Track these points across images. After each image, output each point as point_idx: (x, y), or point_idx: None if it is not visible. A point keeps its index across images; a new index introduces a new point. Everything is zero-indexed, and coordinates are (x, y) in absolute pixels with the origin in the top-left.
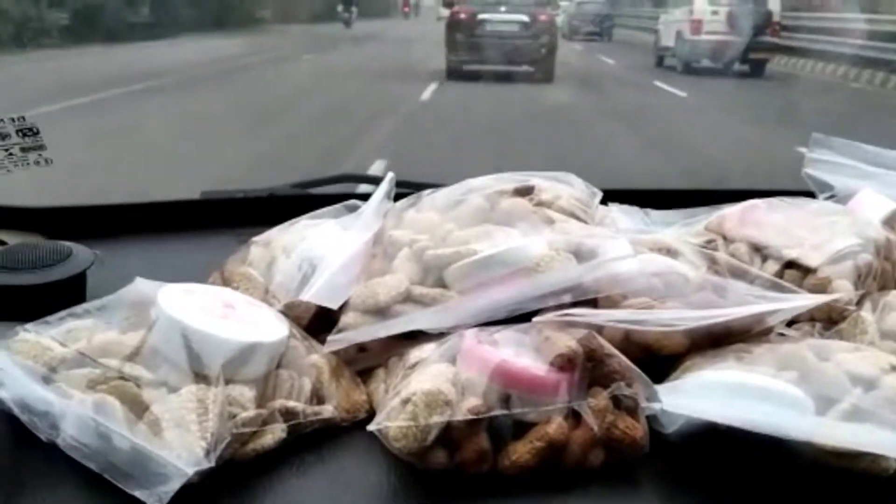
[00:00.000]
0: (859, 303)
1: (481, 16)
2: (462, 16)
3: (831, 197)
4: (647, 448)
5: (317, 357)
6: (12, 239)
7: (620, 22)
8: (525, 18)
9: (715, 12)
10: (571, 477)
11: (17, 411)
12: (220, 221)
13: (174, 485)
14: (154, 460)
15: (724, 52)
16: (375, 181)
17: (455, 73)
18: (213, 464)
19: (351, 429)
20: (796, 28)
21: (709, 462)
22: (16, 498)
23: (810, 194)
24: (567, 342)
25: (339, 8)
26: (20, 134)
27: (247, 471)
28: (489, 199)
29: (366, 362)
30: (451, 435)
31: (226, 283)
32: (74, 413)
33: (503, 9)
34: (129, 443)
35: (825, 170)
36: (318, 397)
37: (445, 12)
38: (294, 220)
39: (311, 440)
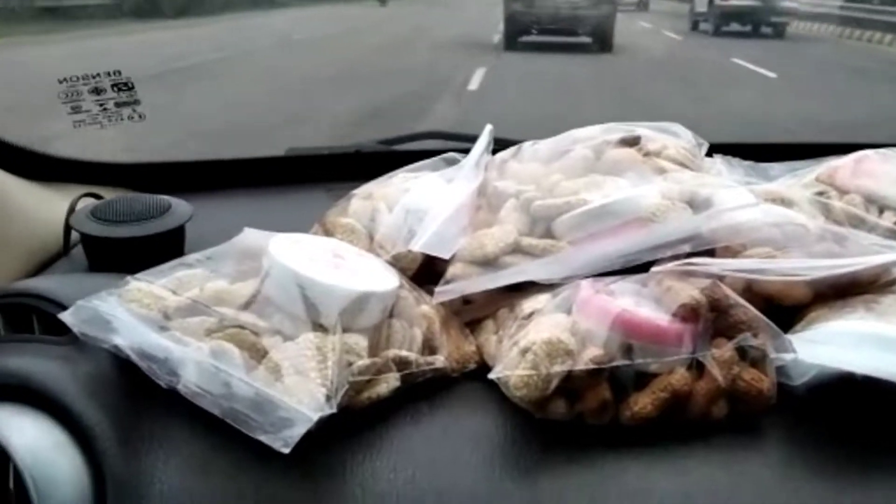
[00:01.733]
0: None
1: None
2: None
3: None
4: (774, 400)
5: (427, 307)
6: (108, 194)
7: None
8: None
9: None
10: (695, 429)
11: (135, 358)
12: (308, 177)
13: (299, 429)
14: (277, 405)
15: (749, 16)
16: (464, 138)
17: (513, 45)
18: (334, 410)
19: (462, 379)
20: None
21: (837, 416)
22: (138, 443)
23: None
24: (690, 292)
25: None
26: (115, 89)
27: (362, 418)
28: (595, 150)
29: (472, 314)
30: (571, 385)
31: (328, 234)
32: (193, 359)
33: None
34: (250, 388)
35: None
36: (429, 347)
37: None
38: (392, 173)
39: (423, 389)
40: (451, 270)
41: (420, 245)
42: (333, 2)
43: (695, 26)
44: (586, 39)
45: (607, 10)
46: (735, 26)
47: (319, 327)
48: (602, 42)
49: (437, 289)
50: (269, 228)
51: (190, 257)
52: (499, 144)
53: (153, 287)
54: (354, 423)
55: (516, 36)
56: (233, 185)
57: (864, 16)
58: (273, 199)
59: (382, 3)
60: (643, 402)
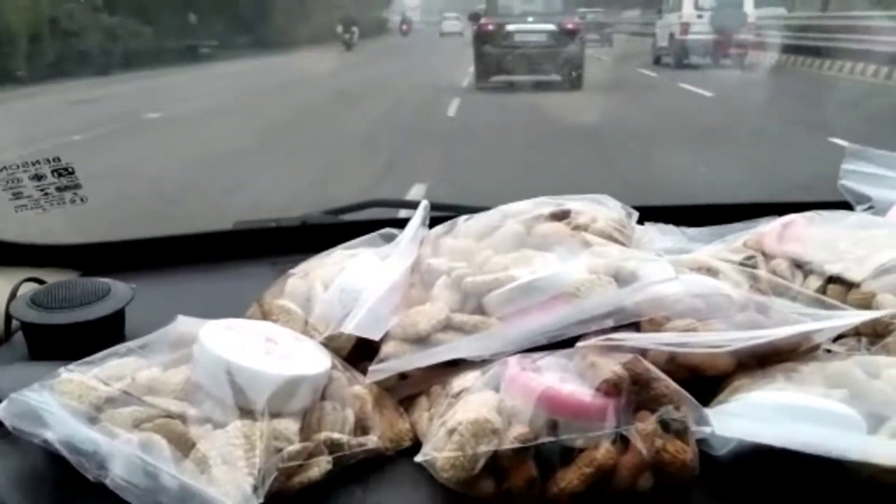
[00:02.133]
0: None
1: (509, 27)
2: (490, 27)
3: (869, 209)
4: (697, 471)
5: (359, 388)
6: (49, 277)
7: (619, 28)
8: (553, 28)
9: (700, 16)
10: (621, 501)
11: (64, 452)
12: (255, 251)
13: None
14: (203, 498)
15: (708, 49)
16: (408, 205)
17: (484, 85)
18: (261, 500)
19: (396, 458)
20: (769, 27)
21: (760, 483)
22: None
23: (847, 206)
24: (612, 367)
25: (339, 29)
26: (55, 174)
27: (295, 503)
28: (525, 225)
29: (407, 390)
30: (498, 463)
31: (265, 316)
32: (122, 452)
33: (530, 19)
34: (177, 481)
35: (862, 181)
36: (362, 428)
37: (451, 27)
38: (330, 251)
39: (356, 471)
40: (385, 349)
41: (352, 327)
42: (293, 49)
43: (657, 60)
44: (556, 77)
45: (576, 49)
46: (695, 59)
47: (248, 414)
48: (572, 80)
49: (371, 367)
50: (212, 306)
51: (122, 346)
52: (440, 210)
53: (85, 378)
54: None
55: (487, 76)
56: (178, 262)
57: (810, 44)
58: (218, 275)
59: (348, 48)
60: (570, 478)
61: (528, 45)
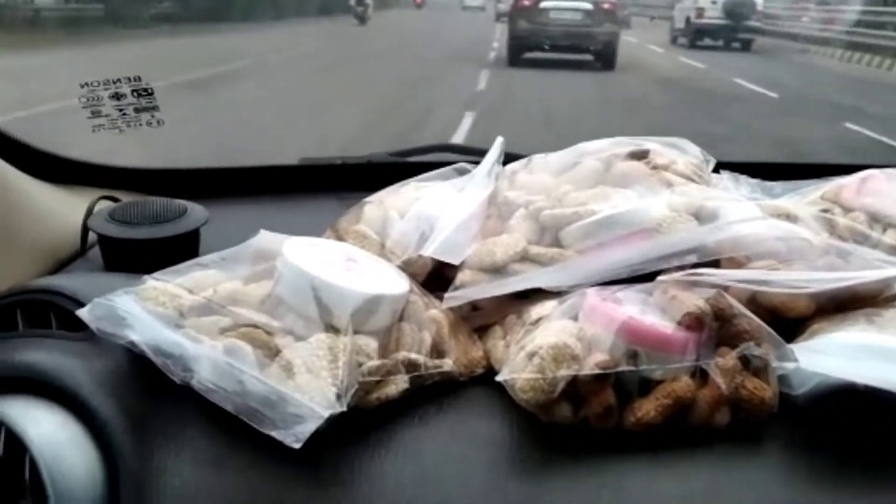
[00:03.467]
0: None
1: (544, 4)
2: (526, 3)
3: None
4: (776, 409)
5: (436, 312)
6: (125, 198)
7: (636, 12)
8: (589, 6)
9: (714, 2)
10: (697, 435)
11: (150, 354)
12: (320, 187)
13: (310, 426)
14: (289, 402)
15: (720, 33)
16: (475, 152)
17: (516, 61)
18: (344, 408)
19: (469, 383)
20: (776, 15)
21: (838, 425)
22: (152, 438)
23: None
24: (695, 301)
25: (351, 1)
26: (135, 94)
27: (372, 418)
28: (604, 162)
29: (480, 320)
30: (577, 389)
31: (340, 240)
32: (208, 356)
33: None
34: (263, 385)
35: None
36: (437, 351)
37: (473, 1)
38: (403, 182)
39: (431, 392)
40: (461, 277)
41: (431, 250)
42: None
43: (674, 40)
44: (589, 57)
45: (611, 29)
46: (708, 41)
47: (331, 328)
48: (605, 60)
49: (447, 294)
50: (284, 232)
51: (205, 258)
52: (509, 158)
53: (169, 286)
54: (364, 422)
55: (520, 52)
56: (246, 193)
57: (808, 34)
58: (286, 207)
59: (361, 22)
60: (647, 408)
61: (563, 23)
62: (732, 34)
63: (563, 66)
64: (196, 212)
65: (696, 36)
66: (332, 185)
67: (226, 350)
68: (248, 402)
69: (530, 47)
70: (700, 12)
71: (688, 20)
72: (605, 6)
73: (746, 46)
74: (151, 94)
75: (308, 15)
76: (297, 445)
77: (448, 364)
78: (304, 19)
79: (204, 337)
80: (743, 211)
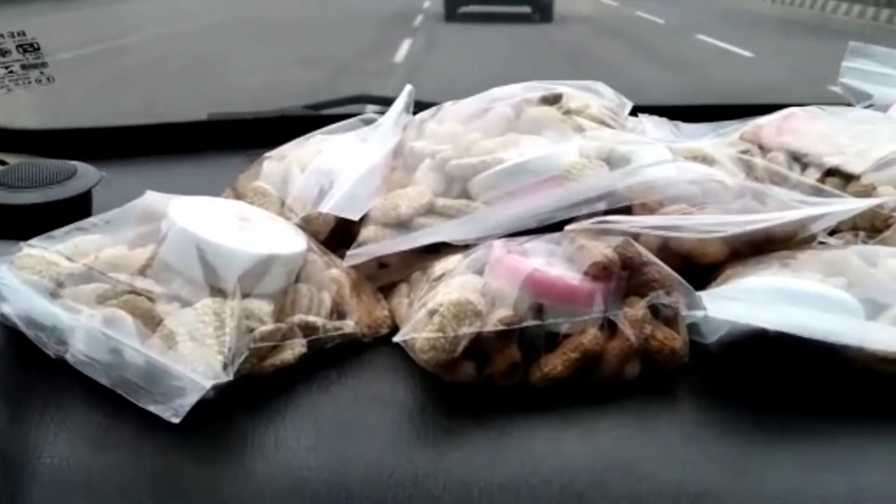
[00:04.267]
0: None
1: None
2: None
3: (869, 106)
4: (687, 359)
5: (336, 271)
6: (14, 160)
7: None
8: None
9: None
10: (606, 389)
11: (22, 326)
12: (230, 143)
13: (191, 398)
14: (169, 374)
15: None
16: (390, 102)
17: (453, 15)
18: (231, 377)
19: (373, 345)
20: None
21: (750, 372)
22: (24, 415)
23: (846, 105)
24: (602, 250)
25: None
26: (20, 50)
27: (266, 386)
28: (515, 108)
29: (387, 278)
30: (480, 346)
31: (239, 198)
32: (84, 327)
33: None
34: (142, 357)
35: (862, 78)
36: (338, 312)
37: None
38: (308, 135)
39: (332, 356)
40: (364, 233)
41: (329, 206)
42: None
43: None
44: (526, 9)
45: None
46: None
47: (219, 292)
48: (542, 11)
49: (349, 252)
50: (184, 193)
51: (86, 222)
52: (423, 106)
53: (46, 253)
54: (259, 390)
55: (456, 6)
56: (149, 152)
57: None
58: (190, 166)
59: None
60: (554, 363)
61: None
62: None
63: (502, 20)
64: (87, 172)
65: None
66: (243, 141)
67: (104, 320)
68: (125, 375)
69: (467, 1)
70: None
71: None
72: None
73: None
74: (38, 49)
75: None
76: (176, 420)
77: (349, 325)
78: None
79: (82, 306)
80: (656, 154)
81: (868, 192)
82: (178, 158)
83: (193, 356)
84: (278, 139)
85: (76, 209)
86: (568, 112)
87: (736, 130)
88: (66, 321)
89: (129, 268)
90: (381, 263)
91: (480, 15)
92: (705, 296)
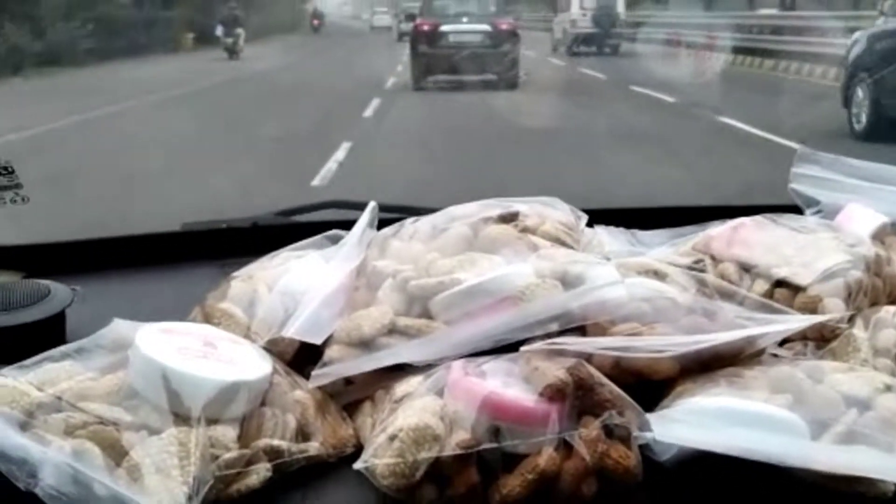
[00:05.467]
0: (851, 320)
1: (444, 27)
2: (425, 28)
3: (818, 212)
4: (641, 477)
5: (301, 393)
6: None
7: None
8: (487, 28)
9: (584, 14)
10: None
11: None
12: (204, 253)
13: None
14: None
15: (590, 40)
16: (360, 207)
17: (421, 84)
18: None
19: (338, 465)
20: (637, 23)
21: (704, 490)
22: None
23: (796, 209)
24: (556, 372)
25: (219, 31)
26: None
27: None
28: (473, 227)
29: (352, 395)
30: (440, 470)
31: (207, 319)
32: (52, 461)
33: (465, 20)
34: (108, 490)
35: (811, 184)
36: (303, 434)
37: (381, 21)
38: (275, 253)
39: (297, 478)
40: (328, 353)
41: (293, 331)
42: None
43: (555, 49)
44: (492, 77)
45: (511, 49)
46: (583, 48)
47: (184, 420)
48: (507, 80)
49: (314, 372)
50: (156, 310)
51: (57, 351)
52: (389, 212)
53: (17, 382)
54: None
55: (424, 76)
56: (124, 265)
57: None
58: (165, 278)
59: (232, 55)
60: (512, 485)
61: (463, 46)
62: (602, 41)
63: (469, 88)
64: (60, 293)
65: (572, 44)
66: (216, 250)
67: (72, 453)
68: None
69: (433, 71)
70: (573, 23)
71: (564, 31)
72: (504, 27)
73: (615, 51)
74: (12, 171)
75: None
76: None
77: (314, 447)
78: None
79: (52, 437)
80: (607, 275)
81: (815, 303)
82: (153, 270)
83: (158, 489)
84: (251, 248)
85: (50, 330)
86: (524, 230)
87: (689, 240)
88: (36, 455)
89: (98, 396)
90: (347, 381)
91: (449, 84)
92: (654, 418)
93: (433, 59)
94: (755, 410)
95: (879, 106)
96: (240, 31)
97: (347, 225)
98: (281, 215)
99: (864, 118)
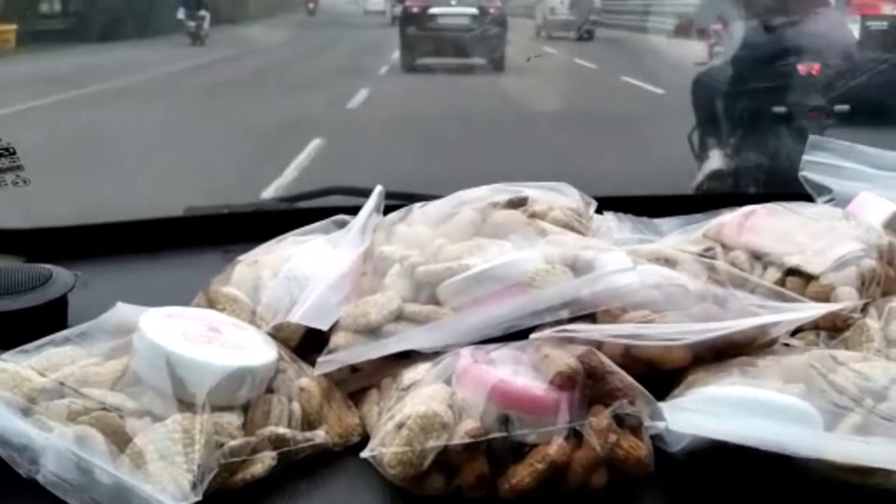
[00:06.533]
0: (864, 310)
1: (432, 10)
2: (414, 10)
3: (830, 200)
4: (652, 467)
5: (307, 380)
6: None
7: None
8: (474, 11)
9: (562, 2)
10: (574, 499)
11: None
12: (206, 238)
13: None
14: (138, 495)
15: (569, 26)
16: (365, 193)
17: (410, 67)
18: (199, 497)
19: (344, 453)
20: (611, 10)
21: (715, 480)
22: None
23: (808, 198)
24: (566, 360)
25: (181, 14)
26: None
27: (237, 499)
28: (481, 212)
29: (358, 383)
30: (448, 459)
31: (211, 304)
32: (54, 447)
33: (453, 2)
34: (111, 477)
35: (823, 172)
36: (309, 422)
37: (374, 5)
38: (281, 237)
39: (302, 466)
40: (334, 340)
41: (298, 316)
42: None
43: (537, 34)
44: (480, 60)
45: (499, 32)
46: (561, 33)
47: (188, 406)
48: (495, 62)
49: (320, 359)
50: (159, 295)
51: (59, 335)
52: (395, 199)
53: (19, 368)
54: None
55: (413, 59)
56: (127, 249)
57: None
58: (167, 263)
59: (195, 41)
60: (521, 475)
61: (451, 28)
62: (579, 27)
63: (459, 71)
64: (62, 277)
65: (550, 29)
66: (219, 236)
67: (75, 439)
68: (94, 496)
69: (422, 53)
70: (552, 10)
71: (544, 17)
72: (491, 9)
73: (591, 36)
74: (13, 153)
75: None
76: None
77: (320, 436)
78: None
79: (55, 423)
80: (618, 261)
81: (827, 292)
82: (156, 256)
83: (162, 476)
84: (254, 234)
85: (51, 315)
86: (533, 215)
87: (700, 227)
88: (38, 441)
89: (101, 382)
90: (353, 368)
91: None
92: (667, 407)
93: (422, 41)
94: (769, 400)
95: None
96: (204, 13)
97: (351, 211)
98: (285, 201)
99: None
